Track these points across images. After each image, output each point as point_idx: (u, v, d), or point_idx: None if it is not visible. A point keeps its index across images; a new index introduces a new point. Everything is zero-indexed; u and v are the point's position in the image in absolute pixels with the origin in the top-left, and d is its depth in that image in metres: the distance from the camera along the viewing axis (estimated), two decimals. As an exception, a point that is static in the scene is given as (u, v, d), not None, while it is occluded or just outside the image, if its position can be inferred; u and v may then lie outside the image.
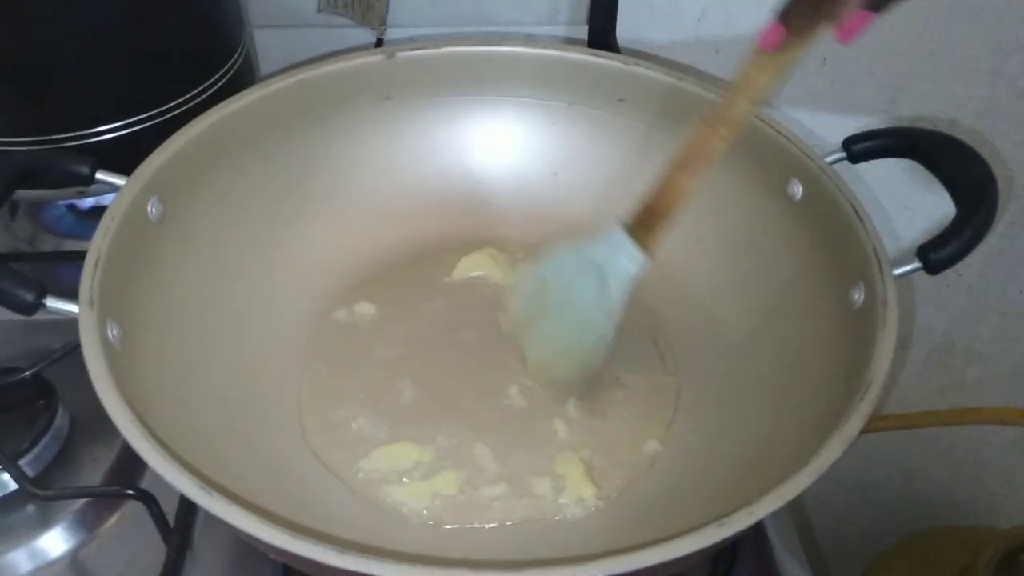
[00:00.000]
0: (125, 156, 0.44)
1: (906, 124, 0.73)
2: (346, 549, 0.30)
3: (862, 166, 0.48)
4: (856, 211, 0.43)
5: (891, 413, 0.94)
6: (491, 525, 0.43)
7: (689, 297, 0.52)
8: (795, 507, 1.02)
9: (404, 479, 0.44)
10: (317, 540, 0.30)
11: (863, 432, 0.94)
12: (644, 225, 0.42)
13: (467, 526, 0.43)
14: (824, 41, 0.70)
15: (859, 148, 0.47)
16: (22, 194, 0.56)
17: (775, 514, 0.47)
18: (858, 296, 0.41)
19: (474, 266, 0.54)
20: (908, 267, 0.41)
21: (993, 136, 0.74)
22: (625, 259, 0.43)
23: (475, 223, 0.56)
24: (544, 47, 0.54)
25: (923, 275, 0.42)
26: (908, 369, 0.94)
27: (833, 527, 1.07)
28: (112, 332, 0.38)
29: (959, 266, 0.81)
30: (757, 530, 0.47)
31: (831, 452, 0.33)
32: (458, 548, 0.42)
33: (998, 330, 0.87)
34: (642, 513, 0.43)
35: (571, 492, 0.44)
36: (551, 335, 0.47)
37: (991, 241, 0.78)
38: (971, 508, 0.98)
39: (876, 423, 0.93)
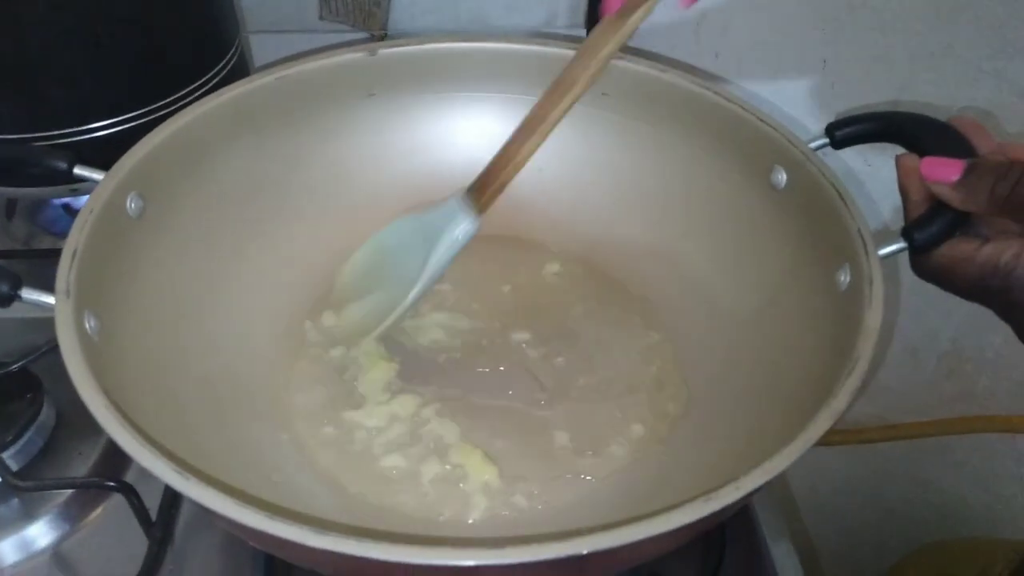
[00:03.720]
0: (116, 153, 0.45)
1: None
2: (325, 529, 0.29)
3: (852, 154, 0.48)
4: (840, 194, 0.43)
5: (901, 422, 0.93)
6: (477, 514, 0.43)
7: (689, 284, 0.52)
8: (789, 509, 1.00)
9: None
10: (296, 521, 0.29)
11: (875, 441, 0.92)
12: (481, 190, 0.45)
13: (449, 514, 0.43)
14: (825, 43, 0.71)
15: (842, 134, 0.46)
16: (17, 192, 0.57)
17: (769, 510, 0.47)
18: (844, 278, 0.41)
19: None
20: (893, 247, 0.41)
21: (999, 137, 0.73)
22: (456, 223, 0.46)
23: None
24: (525, 43, 0.54)
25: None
26: (917, 377, 0.92)
27: (843, 538, 1.06)
28: (89, 323, 0.38)
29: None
30: (747, 524, 0.46)
31: (818, 427, 0.33)
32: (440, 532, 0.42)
33: (1009, 338, 0.85)
34: (630, 495, 0.43)
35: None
36: (371, 296, 0.49)
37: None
38: (984, 519, 0.96)
39: (886, 432, 0.92)
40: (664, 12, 0.70)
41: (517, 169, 0.44)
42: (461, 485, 0.44)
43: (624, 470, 0.44)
